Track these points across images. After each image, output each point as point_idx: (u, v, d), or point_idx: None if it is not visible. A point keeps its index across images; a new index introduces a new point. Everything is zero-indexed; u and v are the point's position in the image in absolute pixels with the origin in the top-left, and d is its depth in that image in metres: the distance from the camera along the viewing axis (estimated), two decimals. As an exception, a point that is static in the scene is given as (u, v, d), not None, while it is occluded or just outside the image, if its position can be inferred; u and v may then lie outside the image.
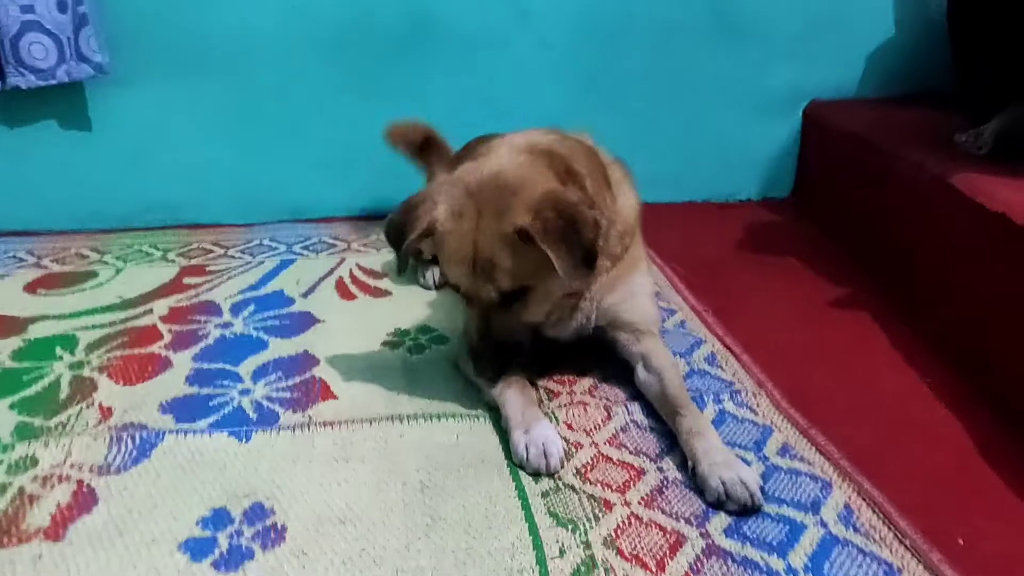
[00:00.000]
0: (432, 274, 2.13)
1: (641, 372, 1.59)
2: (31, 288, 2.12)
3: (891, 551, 1.20)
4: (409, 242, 1.49)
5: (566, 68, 2.64)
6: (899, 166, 2.04)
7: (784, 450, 1.44)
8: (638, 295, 1.68)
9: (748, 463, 1.38)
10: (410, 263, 2.07)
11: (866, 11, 2.69)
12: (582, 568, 1.15)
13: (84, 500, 1.29)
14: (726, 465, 1.31)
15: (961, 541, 1.23)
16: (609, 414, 1.55)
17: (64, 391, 1.61)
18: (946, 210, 1.86)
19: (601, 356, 1.73)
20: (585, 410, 1.57)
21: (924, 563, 1.18)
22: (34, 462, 1.38)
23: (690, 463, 1.36)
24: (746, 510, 1.26)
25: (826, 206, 2.62)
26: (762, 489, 1.29)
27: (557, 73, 2.64)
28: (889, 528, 1.24)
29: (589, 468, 1.39)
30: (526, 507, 1.28)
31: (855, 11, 2.67)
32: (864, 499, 1.31)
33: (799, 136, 2.80)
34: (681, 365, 1.72)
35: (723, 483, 1.28)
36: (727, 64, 2.70)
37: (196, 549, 1.19)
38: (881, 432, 1.52)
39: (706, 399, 1.60)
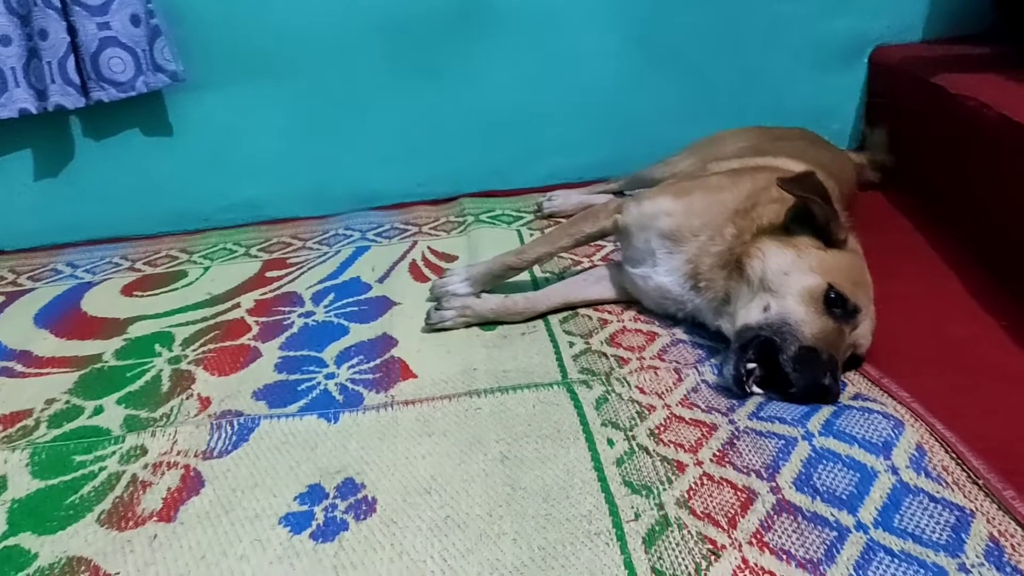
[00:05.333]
0: None
1: None
2: (127, 291, 2.26)
3: (964, 494, 1.20)
4: None
5: (615, 34, 2.63)
6: (975, 110, 1.97)
7: (855, 397, 1.45)
8: None
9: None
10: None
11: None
12: (656, 528, 1.20)
13: (192, 483, 1.39)
14: None
15: (1037, 480, 1.22)
16: (680, 376, 1.59)
17: (165, 384, 1.73)
18: None
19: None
20: (656, 374, 1.60)
21: (998, 502, 1.18)
22: (144, 451, 1.49)
23: None
24: None
25: (896, 156, 2.54)
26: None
27: (606, 40, 2.63)
28: (963, 469, 1.25)
29: (662, 429, 1.43)
30: (602, 478, 1.32)
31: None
32: (936, 439, 1.31)
33: (865, 85, 2.72)
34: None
35: None
36: (784, 11, 2.60)
37: (296, 523, 1.28)
38: (955, 377, 1.52)
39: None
